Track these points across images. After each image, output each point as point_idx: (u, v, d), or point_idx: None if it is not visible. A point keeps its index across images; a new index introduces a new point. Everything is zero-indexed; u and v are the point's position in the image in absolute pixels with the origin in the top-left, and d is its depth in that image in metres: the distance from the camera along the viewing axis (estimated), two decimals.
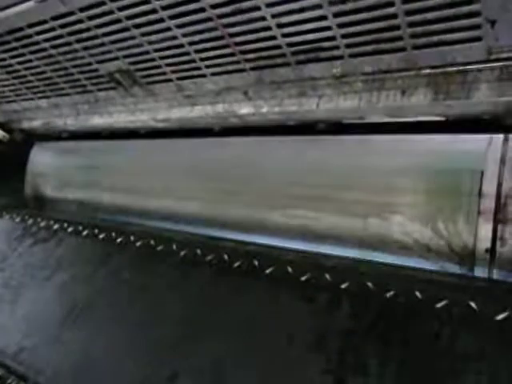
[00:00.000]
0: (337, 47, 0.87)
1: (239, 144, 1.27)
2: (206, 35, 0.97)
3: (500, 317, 0.67)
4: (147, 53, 1.10)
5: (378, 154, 1.02)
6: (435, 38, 0.77)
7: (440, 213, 0.91)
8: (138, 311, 1.03)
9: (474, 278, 0.82)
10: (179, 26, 0.98)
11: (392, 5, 0.74)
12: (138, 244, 1.19)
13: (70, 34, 1.13)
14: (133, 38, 1.06)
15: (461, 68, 0.80)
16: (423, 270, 0.87)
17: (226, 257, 1.02)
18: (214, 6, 0.89)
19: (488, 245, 0.84)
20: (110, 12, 1.00)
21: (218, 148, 1.32)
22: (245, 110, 1.13)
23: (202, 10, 0.91)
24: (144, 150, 1.51)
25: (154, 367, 0.90)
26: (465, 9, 0.70)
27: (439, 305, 0.72)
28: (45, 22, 1.11)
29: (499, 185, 0.83)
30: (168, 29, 0.99)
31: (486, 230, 0.84)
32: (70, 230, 1.37)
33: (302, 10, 0.83)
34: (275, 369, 0.79)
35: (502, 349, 0.65)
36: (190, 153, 1.37)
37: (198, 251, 1.07)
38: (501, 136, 0.85)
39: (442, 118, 0.92)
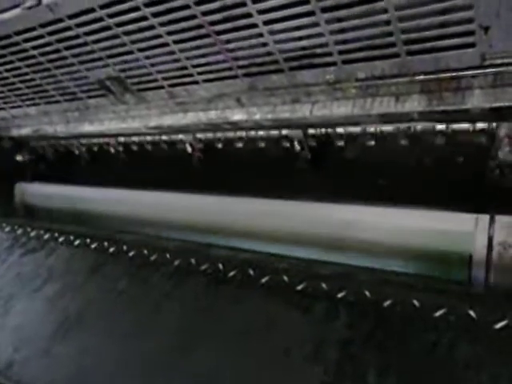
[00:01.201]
0: (330, 54, 0.86)
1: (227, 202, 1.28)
2: (198, 42, 0.96)
3: (499, 325, 0.67)
4: (138, 60, 1.09)
5: (363, 228, 1.01)
6: (428, 45, 0.77)
7: None
8: (131, 322, 1.01)
9: (472, 285, 0.82)
10: (170, 33, 0.97)
11: (385, 12, 0.74)
12: (131, 254, 1.17)
13: (59, 41, 1.11)
14: (123, 45, 1.05)
15: (454, 74, 0.80)
16: (420, 277, 0.87)
17: (220, 266, 1.00)
18: (205, 13, 0.88)
19: None
20: (100, 19, 0.99)
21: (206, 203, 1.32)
22: (238, 116, 1.12)
23: (194, 16, 0.90)
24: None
25: (148, 380, 0.88)
26: (458, 15, 0.70)
27: (437, 313, 0.72)
28: (33, 29, 1.09)
29: (487, 270, 0.83)
30: (159, 36, 0.98)
31: None
32: (61, 239, 1.35)
33: (294, 16, 0.82)
34: (272, 380, 0.78)
35: (502, 358, 0.64)
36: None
37: (193, 260, 1.06)
38: (487, 217, 0.85)
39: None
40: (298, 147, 1.14)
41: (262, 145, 1.23)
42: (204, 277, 1.01)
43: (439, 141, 0.96)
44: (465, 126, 0.91)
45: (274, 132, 1.17)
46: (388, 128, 1.00)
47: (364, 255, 1.00)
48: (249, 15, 0.85)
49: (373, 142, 1.06)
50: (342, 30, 0.81)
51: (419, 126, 0.96)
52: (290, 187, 1.22)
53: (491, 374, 0.63)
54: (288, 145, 1.17)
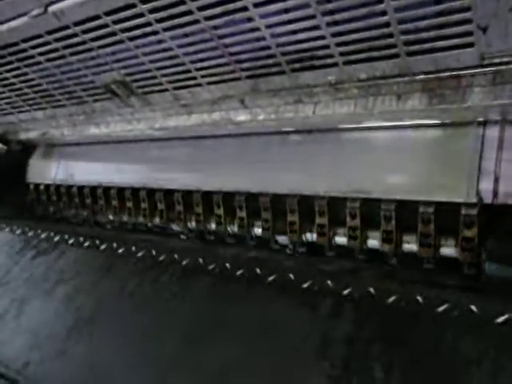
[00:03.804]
0: (331, 55, 0.87)
1: None
2: (201, 46, 0.98)
3: (500, 319, 0.68)
4: (143, 64, 1.10)
5: None
6: (428, 45, 0.78)
7: None
8: (142, 322, 1.04)
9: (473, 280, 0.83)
10: (174, 38, 0.98)
11: (385, 14, 0.75)
12: (140, 254, 1.20)
13: (65, 47, 1.13)
14: (128, 50, 1.07)
15: (454, 73, 0.81)
16: (423, 273, 0.89)
17: (227, 265, 1.03)
18: (208, 18, 0.90)
19: None
20: (105, 25, 1.01)
21: None
22: (241, 117, 1.14)
23: (197, 21, 0.91)
24: None
25: (160, 378, 0.91)
26: (456, 17, 0.71)
27: (440, 308, 0.73)
28: (40, 36, 1.11)
29: None
30: (163, 40, 1.00)
31: None
32: (71, 241, 1.38)
33: (295, 20, 0.83)
34: (280, 377, 0.80)
35: (503, 351, 0.66)
36: None
37: (200, 260, 1.08)
38: None
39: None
40: None
41: None
42: (212, 276, 1.03)
43: None
44: None
45: None
46: None
47: None
48: (251, 19, 0.87)
49: None
50: (343, 33, 0.82)
51: None
52: None
53: (493, 367, 0.65)
54: None
